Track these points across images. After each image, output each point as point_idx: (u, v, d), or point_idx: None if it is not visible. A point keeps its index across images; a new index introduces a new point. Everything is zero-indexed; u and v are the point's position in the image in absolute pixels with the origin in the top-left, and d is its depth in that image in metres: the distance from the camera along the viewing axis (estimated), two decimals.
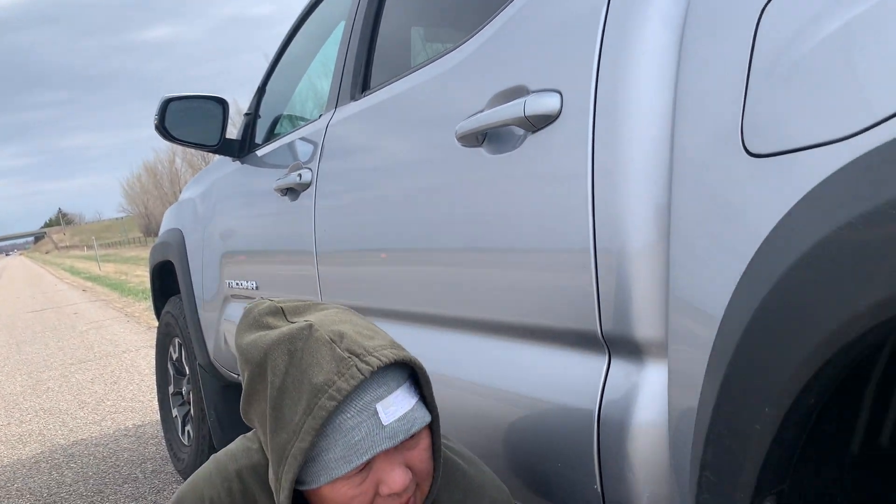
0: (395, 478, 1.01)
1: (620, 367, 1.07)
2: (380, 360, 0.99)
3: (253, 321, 1.11)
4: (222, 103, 2.78)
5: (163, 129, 2.65)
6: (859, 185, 0.67)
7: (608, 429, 1.06)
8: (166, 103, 2.65)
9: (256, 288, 2.47)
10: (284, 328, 1.04)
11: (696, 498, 0.87)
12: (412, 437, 1.03)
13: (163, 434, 3.70)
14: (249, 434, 1.23)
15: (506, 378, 1.27)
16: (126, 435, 4.34)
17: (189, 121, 2.81)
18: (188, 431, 3.40)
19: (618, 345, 1.06)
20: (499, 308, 1.28)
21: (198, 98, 2.77)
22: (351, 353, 0.99)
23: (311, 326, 1.02)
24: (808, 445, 0.81)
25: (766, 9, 0.82)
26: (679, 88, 0.94)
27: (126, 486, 3.45)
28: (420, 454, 1.05)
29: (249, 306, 1.14)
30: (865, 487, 0.96)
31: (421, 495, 1.08)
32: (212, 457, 1.21)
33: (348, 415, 0.98)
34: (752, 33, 0.83)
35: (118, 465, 3.76)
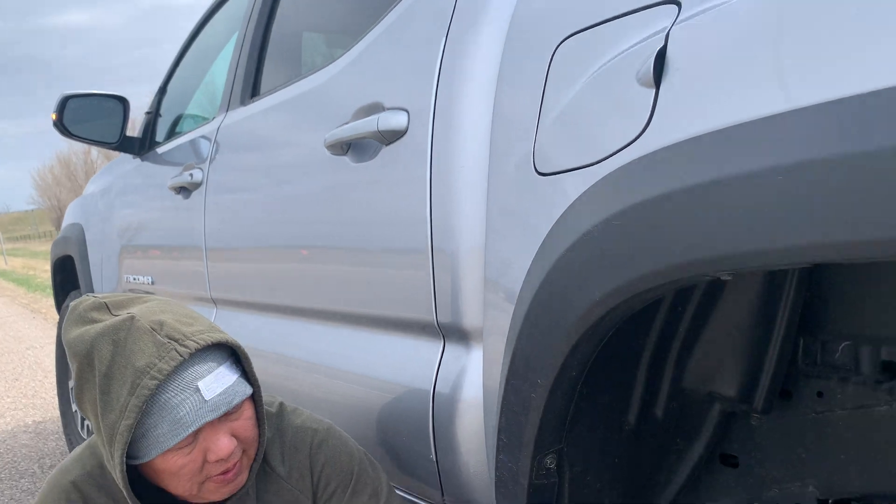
0: (221, 445, 1.14)
1: (452, 352, 1.23)
2: (197, 343, 1.12)
3: (78, 317, 1.19)
4: (123, 102, 2.83)
5: (61, 125, 2.69)
6: (597, 201, 0.84)
7: (440, 405, 1.22)
8: (65, 100, 2.69)
9: (152, 283, 2.54)
10: (108, 321, 1.14)
11: (496, 458, 1.03)
12: (235, 408, 1.16)
13: (62, 429, 3.69)
14: (81, 445, 1.32)
15: (361, 363, 1.42)
16: (25, 431, 4.29)
17: (90, 118, 2.85)
18: (87, 426, 3.42)
19: (450, 332, 1.23)
20: (356, 301, 1.43)
21: (98, 96, 2.81)
22: (170, 339, 1.11)
23: (132, 318, 1.13)
24: (580, 413, 0.99)
25: (554, 57, 0.99)
26: (495, 116, 1.10)
27: (23, 480, 3.44)
28: (243, 423, 1.19)
29: (74, 303, 1.22)
30: (645, 452, 1.15)
31: (248, 459, 1.22)
32: (48, 477, 1.30)
33: (171, 393, 1.10)
34: (545, 77, 1.00)
35: (15, 461, 3.73)
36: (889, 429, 1.02)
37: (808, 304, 1.10)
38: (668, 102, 0.79)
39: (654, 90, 0.81)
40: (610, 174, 0.84)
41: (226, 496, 1.24)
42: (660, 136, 0.79)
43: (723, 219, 0.68)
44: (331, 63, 1.60)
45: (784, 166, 0.64)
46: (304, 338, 1.60)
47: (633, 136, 0.82)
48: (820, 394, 1.10)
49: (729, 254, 0.69)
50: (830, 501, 1.13)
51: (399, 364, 1.34)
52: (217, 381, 1.14)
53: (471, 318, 1.17)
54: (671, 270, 0.75)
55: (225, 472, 1.19)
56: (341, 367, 1.50)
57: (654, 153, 0.78)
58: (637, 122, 0.82)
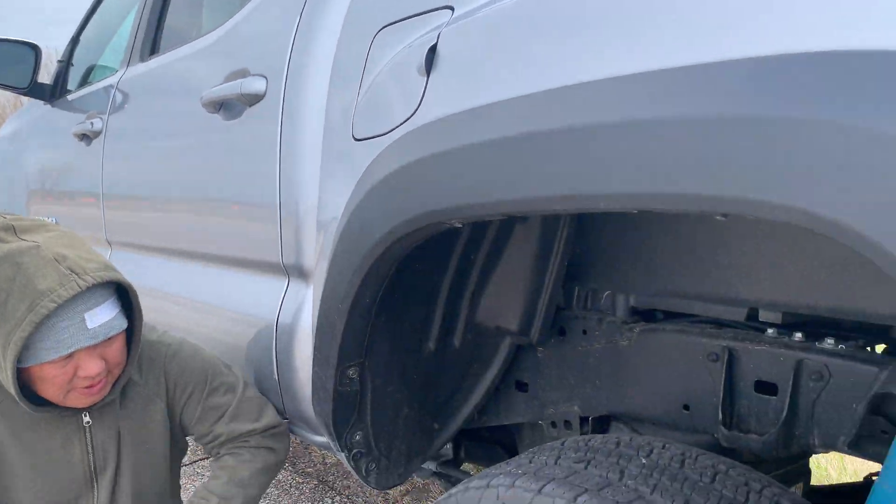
0: (90, 367, 1.34)
1: (294, 288, 1.45)
2: (94, 279, 1.31)
3: None
4: (35, 49, 2.91)
5: None
6: (381, 163, 1.07)
7: (282, 332, 1.44)
8: None
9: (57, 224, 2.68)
10: (14, 244, 1.32)
11: (312, 370, 1.26)
12: (110, 338, 1.36)
13: None
14: None
15: (222, 298, 1.63)
16: None
17: (2, 62, 2.93)
18: None
19: (293, 271, 1.44)
20: (220, 244, 1.64)
21: (9, 42, 2.89)
22: (72, 271, 1.30)
23: (38, 247, 1.31)
24: (378, 334, 1.22)
25: (372, 43, 1.20)
26: (330, 89, 1.31)
27: None
28: (114, 351, 1.39)
29: None
30: (445, 375, 1.40)
31: (112, 377, 1.43)
32: None
33: (61, 318, 1.29)
34: (364, 59, 1.21)
35: None
36: (629, 359, 1.29)
37: (580, 260, 1.35)
38: (434, 89, 1.02)
39: (425, 78, 1.03)
40: (392, 143, 1.06)
41: (88, 405, 1.44)
42: (424, 115, 1.02)
43: (443, 181, 0.92)
44: (218, 28, 1.77)
45: (476, 144, 0.87)
46: (178, 275, 1.80)
47: (409, 114, 1.05)
48: (584, 331, 1.36)
49: (449, 207, 0.92)
50: (590, 419, 1.41)
51: (253, 299, 1.55)
52: (101, 314, 1.33)
53: (308, 259, 1.39)
54: (418, 218, 0.98)
55: (90, 387, 1.39)
56: (206, 301, 1.71)
57: (418, 128, 1.01)
58: (413, 102, 1.04)
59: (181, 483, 1.73)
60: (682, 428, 1.25)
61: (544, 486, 0.84)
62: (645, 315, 1.32)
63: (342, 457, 1.28)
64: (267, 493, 2.73)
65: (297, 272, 1.43)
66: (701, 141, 0.65)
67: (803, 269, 1.05)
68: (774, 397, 1.10)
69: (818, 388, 1.06)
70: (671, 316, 1.29)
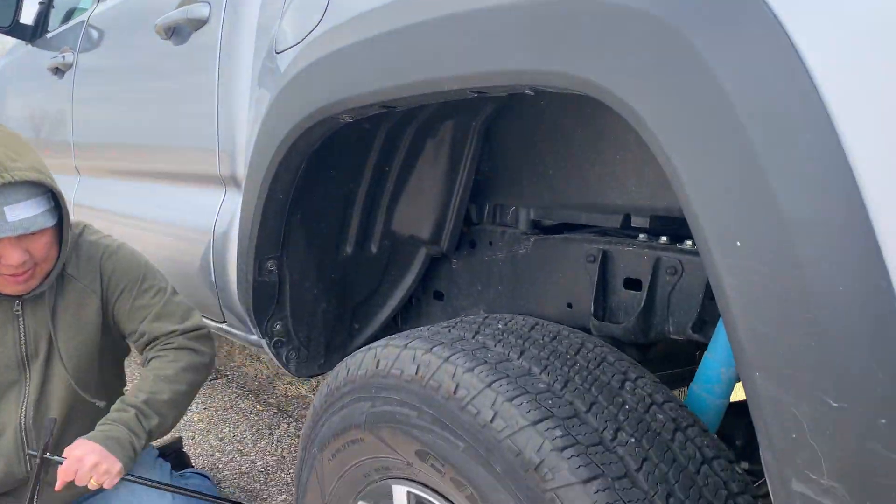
0: (12, 257, 1.46)
1: (230, 197, 1.58)
2: (13, 177, 1.41)
3: None
4: None
5: None
6: (293, 66, 1.20)
7: (218, 237, 1.58)
8: None
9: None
10: None
11: (236, 263, 1.40)
12: (34, 233, 1.48)
13: None
14: None
15: (167, 210, 1.77)
16: None
17: None
18: None
19: (229, 181, 1.58)
20: (167, 160, 1.77)
21: None
22: None
23: None
24: (294, 232, 1.36)
25: None
26: (260, 13, 1.44)
27: None
28: (39, 246, 1.50)
29: None
30: (362, 278, 1.53)
31: (41, 271, 1.55)
32: None
33: None
34: None
35: None
36: (525, 266, 1.42)
37: (489, 177, 1.48)
38: (335, 3, 1.15)
39: None
40: (299, 52, 1.19)
41: (19, 293, 1.57)
42: (324, 26, 1.14)
43: (330, 79, 1.05)
44: None
45: (351, 45, 1.00)
46: (132, 197, 1.94)
47: (314, 26, 1.17)
48: (491, 243, 1.50)
49: (336, 101, 1.06)
50: None
51: (195, 211, 1.69)
52: (22, 210, 1.44)
53: (241, 168, 1.52)
54: (313, 114, 1.11)
55: (15, 275, 1.52)
56: (154, 219, 1.85)
57: (316, 37, 1.14)
58: (317, 15, 1.17)
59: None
60: (566, 323, 1.38)
61: (451, 356, 0.96)
62: (545, 228, 1.45)
63: (264, 343, 1.42)
64: (228, 418, 2.90)
65: (232, 182, 1.57)
66: (506, 25, 0.79)
67: (661, 175, 1.18)
68: (638, 292, 1.24)
69: (672, 281, 1.19)
70: (565, 228, 1.42)
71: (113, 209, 2.04)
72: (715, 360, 1.06)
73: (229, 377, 3.41)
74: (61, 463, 1.49)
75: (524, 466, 0.84)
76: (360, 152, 1.38)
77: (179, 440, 2.21)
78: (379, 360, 1.07)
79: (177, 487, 1.72)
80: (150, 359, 1.69)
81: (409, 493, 1.05)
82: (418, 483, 1.03)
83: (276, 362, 1.45)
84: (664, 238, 1.25)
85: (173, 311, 1.68)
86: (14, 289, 1.55)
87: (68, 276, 1.64)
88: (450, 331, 1.06)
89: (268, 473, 2.38)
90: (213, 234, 1.59)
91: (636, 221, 1.28)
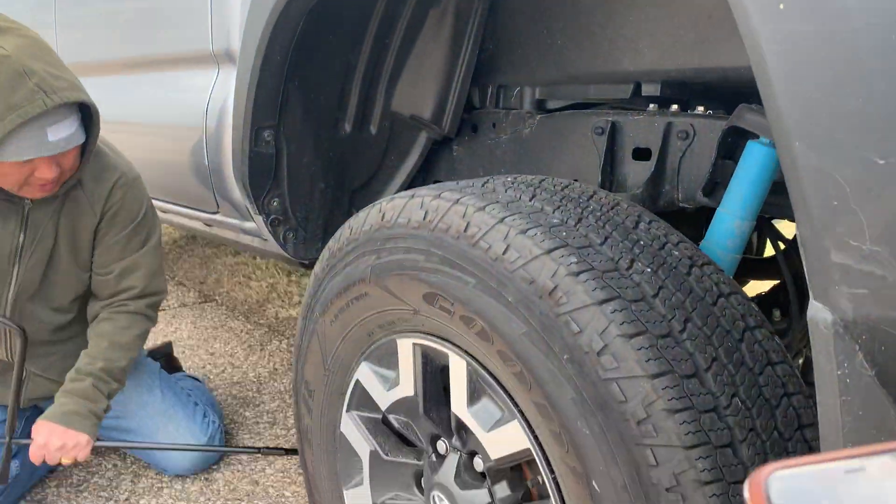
0: (47, 172, 1.44)
1: (223, 75, 1.53)
2: (61, 99, 1.37)
3: None
4: None
5: None
6: None
7: (211, 118, 1.53)
8: None
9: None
10: None
11: (232, 136, 1.35)
12: (67, 150, 1.44)
13: None
14: None
15: (157, 96, 1.72)
16: None
17: None
18: None
19: (222, 58, 1.52)
20: (161, 41, 1.71)
21: None
22: (40, 89, 1.36)
23: (8, 57, 1.36)
24: (292, 101, 1.31)
25: None
26: None
27: None
28: (69, 159, 1.48)
29: None
30: (361, 159, 1.50)
31: (64, 178, 1.52)
32: None
33: (26, 128, 1.35)
34: None
35: None
36: (530, 145, 1.39)
37: (492, 58, 1.44)
38: None
39: None
40: None
41: (38, 198, 1.54)
42: None
43: None
44: None
45: None
46: (119, 93, 1.88)
47: None
48: (494, 125, 1.46)
49: None
50: None
51: (183, 93, 1.64)
52: (62, 130, 1.41)
53: (237, 41, 1.46)
54: None
55: (43, 185, 1.48)
56: (139, 104, 1.79)
57: None
58: None
59: None
60: None
61: (461, 198, 0.92)
62: (550, 111, 1.41)
63: (260, 221, 1.39)
64: (218, 336, 2.88)
65: (226, 58, 1.51)
66: None
67: (674, 33, 1.15)
68: (647, 161, 1.21)
69: (684, 146, 1.16)
70: (570, 109, 1.38)
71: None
72: (729, 213, 1.04)
73: (218, 301, 3.38)
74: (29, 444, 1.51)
75: (538, 293, 0.82)
76: (360, 21, 1.33)
77: (169, 344, 2.18)
78: (384, 213, 1.04)
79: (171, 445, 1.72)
80: (103, 319, 1.67)
81: (414, 344, 1.03)
82: (424, 333, 1.01)
83: (274, 242, 1.42)
84: (675, 107, 1.22)
85: (148, 263, 1.67)
86: (37, 195, 1.52)
87: (80, 187, 1.61)
88: (457, 183, 1.03)
89: (260, 383, 2.37)
90: (205, 116, 1.54)
91: (647, 90, 1.25)
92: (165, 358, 2.07)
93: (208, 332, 2.93)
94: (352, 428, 1.18)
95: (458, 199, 0.94)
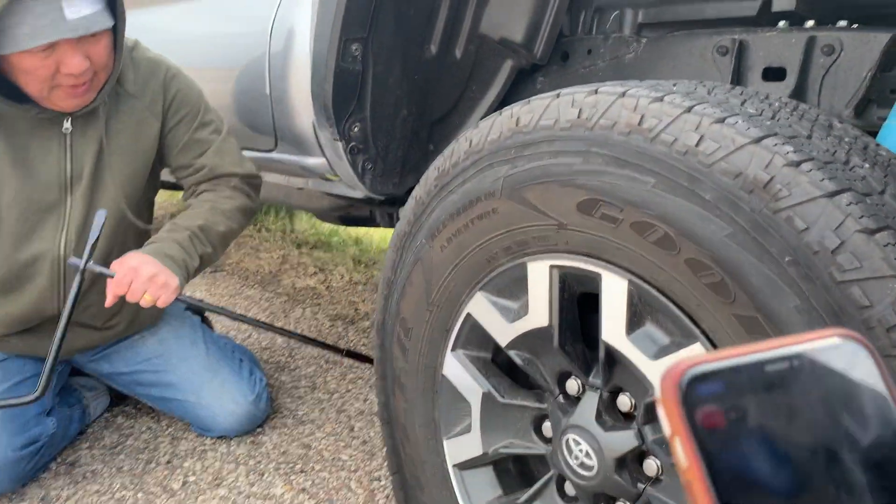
0: (73, 62, 1.28)
1: None
2: None
3: None
4: None
5: None
6: None
7: (276, 37, 1.39)
8: None
9: None
10: None
11: (312, 46, 1.22)
12: (94, 35, 1.29)
13: None
14: None
15: (231, 15, 1.57)
16: None
17: None
18: None
19: None
20: None
21: None
22: None
23: None
24: (383, 15, 1.18)
25: None
26: None
27: None
28: (99, 49, 1.32)
29: None
30: (444, 86, 1.37)
31: (98, 82, 1.36)
32: None
33: (39, 4, 1.20)
34: None
35: None
36: (634, 72, 1.28)
37: None
38: None
39: None
40: None
41: (73, 109, 1.38)
42: None
43: None
44: None
45: None
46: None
47: None
48: (589, 51, 1.34)
49: None
50: None
51: (249, 14, 1.49)
52: (80, 5, 1.25)
53: None
54: None
55: (75, 86, 1.33)
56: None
57: None
58: None
59: None
60: None
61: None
62: (651, 30, 1.30)
63: (340, 146, 1.25)
64: (236, 304, 2.73)
65: None
66: None
67: None
68: (781, 82, 1.10)
69: (828, 62, 1.05)
70: (679, 28, 1.27)
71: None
72: None
73: (228, 271, 3.23)
74: (109, 276, 1.32)
75: (747, 187, 0.70)
76: None
77: (201, 303, 2.04)
78: (519, 118, 0.92)
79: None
80: (203, 191, 1.53)
81: (551, 267, 0.91)
82: (567, 252, 0.89)
83: (352, 172, 1.29)
84: (811, 22, 1.12)
85: (231, 151, 1.53)
86: (72, 102, 1.36)
87: (126, 93, 1.45)
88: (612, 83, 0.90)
89: (291, 348, 2.23)
90: (270, 36, 1.40)
91: (778, 4, 1.14)
92: (200, 317, 1.93)
93: (225, 299, 2.78)
94: (458, 369, 1.05)
95: (623, 93, 0.82)
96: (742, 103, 0.79)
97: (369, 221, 2.32)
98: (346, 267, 3.25)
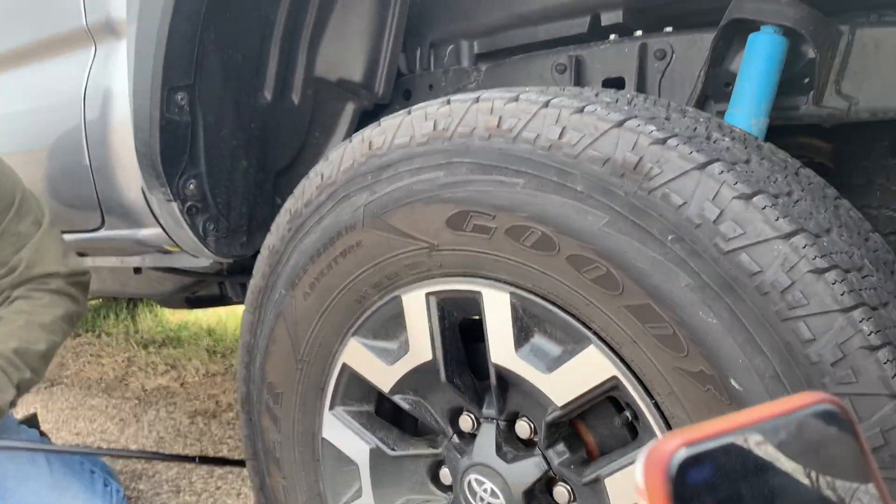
0: None
1: (102, 51, 1.28)
2: None
3: None
4: None
5: None
6: None
7: (90, 104, 1.26)
8: None
9: None
10: None
11: (132, 103, 1.11)
12: None
13: None
14: None
15: (34, 88, 1.42)
16: None
17: None
18: None
19: (99, 31, 1.27)
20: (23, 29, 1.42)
21: None
22: None
23: None
24: (207, 60, 1.09)
25: None
26: None
27: None
28: None
29: None
30: (283, 134, 1.29)
31: None
32: None
33: None
34: None
35: None
36: None
37: (420, 14, 1.31)
38: None
39: None
40: None
41: None
42: None
43: None
44: None
45: None
46: None
47: None
48: (431, 86, 1.32)
49: None
50: None
51: (51, 84, 1.35)
52: None
53: (118, 7, 1.22)
54: None
55: None
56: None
57: None
58: None
59: None
60: None
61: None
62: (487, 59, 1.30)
63: (175, 208, 1.13)
64: (80, 415, 2.43)
65: (106, 30, 1.26)
66: None
67: None
68: (621, 91, 1.12)
69: (662, 66, 1.08)
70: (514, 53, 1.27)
71: None
72: (743, 112, 0.95)
73: (67, 383, 2.90)
74: None
75: (617, 171, 0.67)
76: None
77: (35, 416, 1.78)
78: (371, 141, 0.86)
79: (53, 447, 1.36)
80: (17, 297, 1.33)
81: (427, 295, 0.84)
82: (441, 276, 0.82)
83: (192, 235, 1.17)
84: (639, 32, 1.15)
85: (53, 246, 1.37)
86: None
87: None
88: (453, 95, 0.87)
89: None
90: (83, 101, 1.27)
91: (607, 19, 1.16)
92: (38, 430, 1.68)
93: (66, 412, 2.47)
94: (340, 428, 0.95)
95: (478, 98, 0.78)
96: (596, 95, 0.77)
97: (220, 300, 2.16)
98: (200, 360, 3.02)
